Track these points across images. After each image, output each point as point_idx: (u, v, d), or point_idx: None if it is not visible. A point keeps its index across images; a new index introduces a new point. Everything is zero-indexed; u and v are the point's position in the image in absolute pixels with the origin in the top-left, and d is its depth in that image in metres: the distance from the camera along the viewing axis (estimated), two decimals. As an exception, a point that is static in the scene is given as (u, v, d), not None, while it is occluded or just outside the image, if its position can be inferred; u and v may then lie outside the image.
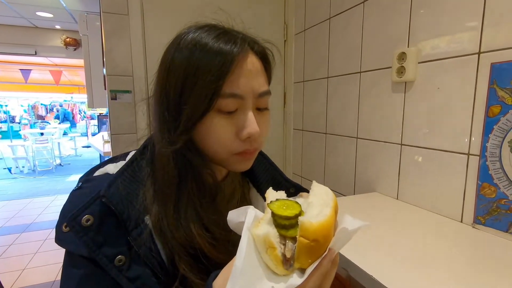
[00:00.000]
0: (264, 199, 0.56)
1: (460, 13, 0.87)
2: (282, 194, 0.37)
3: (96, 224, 0.41)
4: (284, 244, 0.30)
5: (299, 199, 0.35)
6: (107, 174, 0.49)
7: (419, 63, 1.01)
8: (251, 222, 0.32)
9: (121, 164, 0.49)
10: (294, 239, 0.30)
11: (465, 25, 0.86)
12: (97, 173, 0.50)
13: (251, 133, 0.43)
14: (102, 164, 0.52)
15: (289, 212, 0.31)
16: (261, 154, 0.61)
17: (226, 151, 0.45)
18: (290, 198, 0.35)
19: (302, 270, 0.31)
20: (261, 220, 0.33)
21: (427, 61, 0.98)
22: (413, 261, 0.68)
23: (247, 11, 1.75)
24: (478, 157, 0.83)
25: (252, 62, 0.44)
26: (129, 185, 0.45)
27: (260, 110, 0.47)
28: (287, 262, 0.30)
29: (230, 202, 0.55)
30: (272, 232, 0.31)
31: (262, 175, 0.59)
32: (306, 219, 0.29)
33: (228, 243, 0.45)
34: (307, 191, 0.59)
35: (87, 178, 0.49)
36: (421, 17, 1.00)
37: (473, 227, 0.85)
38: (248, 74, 0.44)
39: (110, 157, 0.56)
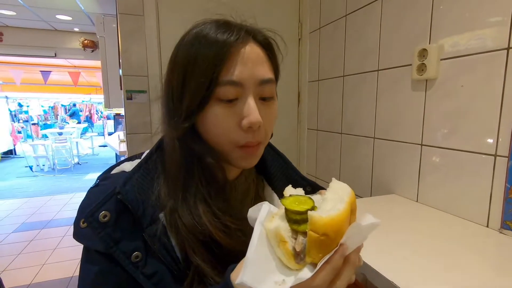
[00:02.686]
0: (279, 197, 0.55)
1: (485, 7, 0.83)
2: (300, 191, 0.37)
3: (113, 220, 0.41)
4: (296, 239, 0.31)
5: (315, 196, 0.35)
6: (123, 172, 0.49)
7: (441, 60, 0.96)
8: (264, 216, 0.33)
9: (137, 162, 0.49)
10: (305, 234, 0.30)
11: (492, 19, 0.81)
12: (114, 171, 0.51)
13: (252, 122, 0.42)
14: (119, 163, 0.53)
15: (301, 207, 0.31)
16: (276, 152, 0.61)
17: (228, 142, 0.45)
18: (307, 195, 0.35)
19: (315, 265, 0.30)
20: (274, 215, 0.33)
21: (450, 58, 0.94)
22: (436, 267, 0.65)
23: (261, 9, 1.74)
24: (506, 159, 0.79)
25: (252, 50, 0.44)
26: (144, 182, 0.46)
27: (264, 100, 0.46)
28: (297, 256, 0.30)
29: (244, 200, 0.54)
30: (283, 226, 0.31)
31: (277, 173, 0.59)
32: (316, 213, 0.29)
33: (240, 232, 0.45)
34: (324, 189, 0.58)
35: (105, 176, 0.50)
36: (443, 12, 0.95)
37: (501, 232, 0.81)
38: (247, 62, 0.43)
39: (126, 156, 0.57)
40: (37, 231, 3.20)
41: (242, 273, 0.29)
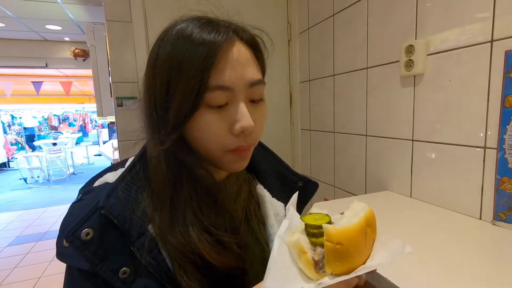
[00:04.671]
0: (272, 194, 0.55)
1: (469, 1, 0.84)
2: (323, 212, 0.38)
3: (96, 238, 0.39)
4: (315, 250, 0.34)
5: (336, 215, 0.37)
6: (107, 184, 0.46)
7: (428, 55, 0.97)
8: (283, 230, 0.35)
9: (120, 172, 0.46)
10: (323, 246, 0.33)
11: (476, 12, 0.82)
12: (96, 183, 0.48)
13: (244, 127, 0.41)
14: (101, 173, 0.50)
15: (318, 222, 0.34)
16: (265, 149, 0.59)
17: (219, 148, 0.43)
18: (325, 213, 0.38)
19: (335, 276, 0.33)
20: (295, 231, 0.36)
21: (436, 53, 0.94)
22: (430, 261, 0.65)
23: (249, 11, 1.74)
24: (495, 150, 0.79)
25: (239, 51, 0.42)
26: (130, 193, 0.43)
27: (254, 102, 0.45)
28: (317, 265, 0.33)
29: (236, 200, 0.52)
30: (303, 239, 0.34)
31: (268, 171, 0.58)
32: (331, 225, 0.32)
33: (236, 245, 0.43)
34: (316, 183, 0.59)
35: (87, 189, 0.47)
36: (428, 7, 0.96)
37: (493, 224, 0.81)
38: (236, 64, 0.41)
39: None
40: (33, 244, 3.16)
41: (264, 281, 0.31)
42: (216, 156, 0.44)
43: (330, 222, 0.34)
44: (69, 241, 0.38)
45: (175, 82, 0.40)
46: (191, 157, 0.43)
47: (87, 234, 0.38)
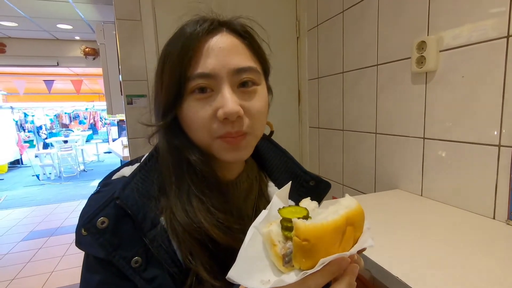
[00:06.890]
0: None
1: (484, -5, 0.82)
2: (313, 205, 0.37)
3: (111, 226, 0.41)
4: (285, 244, 0.33)
5: (321, 209, 0.36)
6: (124, 177, 0.49)
7: (440, 51, 0.95)
8: (259, 221, 0.35)
9: (136, 166, 0.49)
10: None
11: (490, 7, 0.80)
12: (114, 177, 0.50)
13: (226, 112, 0.41)
14: (120, 168, 0.53)
15: (292, 215, 0.33)
16: (276, 146, 0.59)
17: (207, 134, 0.44)
18: (304, 207, 0.36)
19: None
20: (273, 222, 0.35)
21: (449, 49, 0.92)
22: (442, 261, 0.64)
23: (258, 9, 1.74)
24: (510, 149, 0.77)
25: (223, 39, 0.43)
26: (144, 185, 0.45)
27: (246, 88, 0.44)
28: (284, 259, 0.32)
29: (247, 198, 0.53)
30: (275, 231, 0.33)
31: (279, 168, 0.57)
32: (301, 220, 0.31)
33: (242, 233, 0.44)
34: (328, 184, 0.57)
35: (105, 182, 0.50)
36: (441, 2, 0.94)
37: (508, 224, 0.79)
38: (218, 52, 0.42)
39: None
40: (45, 239, 3.23)
41: (230, 269, 0.30)
42: (206, 143, 0.45)
43: (307, 217, 0.33)
44: (85, 228, 0.40)
45: (164, 74, 0.44)
46: (179, 140, 0.46)
47: (103, 222, 0.40)
